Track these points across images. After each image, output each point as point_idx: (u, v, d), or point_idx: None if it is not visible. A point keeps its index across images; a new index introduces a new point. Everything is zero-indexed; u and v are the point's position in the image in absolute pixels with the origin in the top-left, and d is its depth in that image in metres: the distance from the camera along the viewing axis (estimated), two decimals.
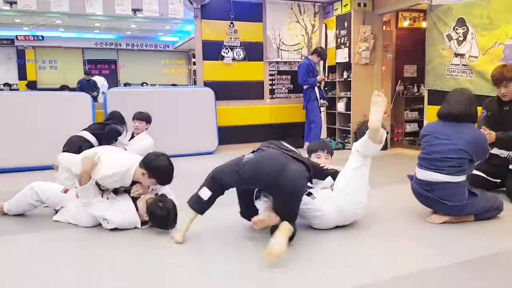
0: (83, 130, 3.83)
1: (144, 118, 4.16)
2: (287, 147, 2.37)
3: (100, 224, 2.50)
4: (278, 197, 2.13)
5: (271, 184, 2.10)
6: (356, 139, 5.81)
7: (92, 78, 9.09)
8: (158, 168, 2.43)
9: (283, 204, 2.12)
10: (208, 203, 2.17)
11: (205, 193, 2.14)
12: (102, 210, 2.45)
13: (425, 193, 2.50)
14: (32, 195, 2.63)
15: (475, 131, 2.50)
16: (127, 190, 2.58)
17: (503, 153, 3.05)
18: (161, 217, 2.38)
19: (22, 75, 11.49)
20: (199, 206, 2.18)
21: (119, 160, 2.53)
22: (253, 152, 2.26)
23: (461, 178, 2.43)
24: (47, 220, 2.65)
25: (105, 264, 2.02)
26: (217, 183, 2.16)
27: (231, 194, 2.34)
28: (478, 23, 4.31)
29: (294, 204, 2.13)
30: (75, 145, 3.47)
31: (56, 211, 2.69)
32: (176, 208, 2.44)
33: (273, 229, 2.26)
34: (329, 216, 2.32)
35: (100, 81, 9.43)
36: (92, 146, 3.55)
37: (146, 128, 4.18)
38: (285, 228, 2.01)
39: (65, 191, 2.63)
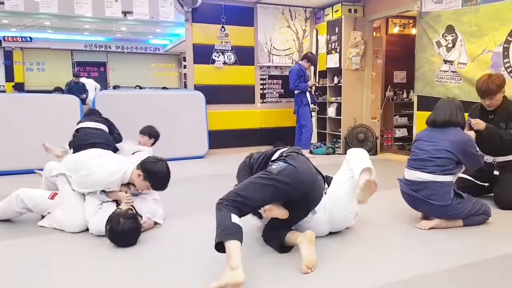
0: (88, 121, 3.52)
1: (147, 132, 3.80)
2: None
3: (85, 230, 2.48)
4: (298, 206, 2.10)
5: (303, 192, 2.04)
6: (346, 144, 5.87)
7: (81, 80, 8.99)
8: (155, 172, 2.43)
9: (301, 212, 2.16)
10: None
11: (237, 219, 1.86)
12: (88, 212, 2.47)
13: (412, 193, 2.54)
14: (18, 203, 2.58)
15: (460, 133, 2.57)
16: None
17: (488, 158, 3.08)
18: (111, 231, 2.22)
19: (9, 76, 11.32)
20: (240, 233, 1.83)
21: (117, 161, 2.60)
22: (277, 160, 2.10)
23: (447, 178, 2.47)
24: (32, 226, 2.61)
25: (93, 269, 1.98)
26: (237, 208, 1.90)
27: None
28: (466, 31, 4.37)
29: (307, 214, 2.20)
30: (104, 136, 3.31)
31: (42, 217, 2.65)
32: (136, 233, 2.28)
33: (264, 235, 2.25)
34: (322, 223, 2.31)
35: (92, 83, 9.33)
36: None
37: (152, 144, 3.82)
38: (313, 238, 2.01)
39: (52, 197, 2.59)
